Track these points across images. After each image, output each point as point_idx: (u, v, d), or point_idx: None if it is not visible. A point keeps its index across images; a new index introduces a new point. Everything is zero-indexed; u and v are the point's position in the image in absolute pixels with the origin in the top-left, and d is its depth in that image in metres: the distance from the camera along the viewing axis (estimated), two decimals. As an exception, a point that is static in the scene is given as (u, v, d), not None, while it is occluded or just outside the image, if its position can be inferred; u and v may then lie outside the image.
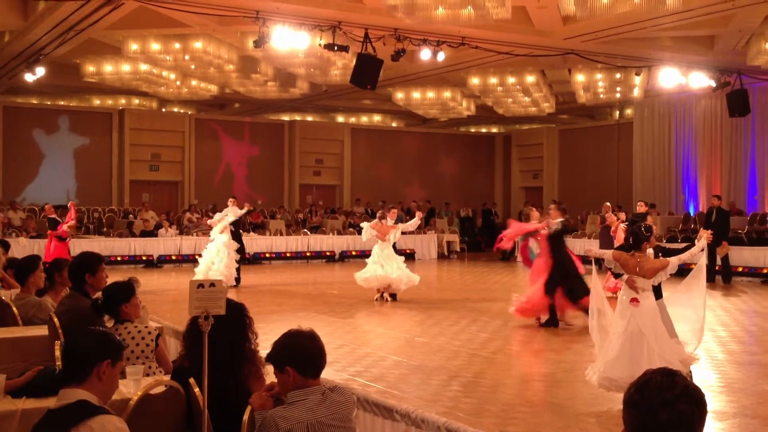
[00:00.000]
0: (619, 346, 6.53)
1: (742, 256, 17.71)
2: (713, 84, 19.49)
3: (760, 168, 21.67)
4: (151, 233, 21.26)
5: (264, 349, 3.68)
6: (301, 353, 3.44)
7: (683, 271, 7.48)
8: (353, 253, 22.90)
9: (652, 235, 6.83)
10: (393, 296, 13.66)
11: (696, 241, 7.18)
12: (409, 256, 23.60)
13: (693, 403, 1.96)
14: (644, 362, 6.11)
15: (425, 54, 16.35)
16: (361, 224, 14.74)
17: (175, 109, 27.12)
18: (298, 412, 3.26)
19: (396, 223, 14.34)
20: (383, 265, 13.52)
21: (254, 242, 21.90)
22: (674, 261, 6.60)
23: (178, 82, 21.41)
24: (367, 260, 14.00)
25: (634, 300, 6.56)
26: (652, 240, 6.88)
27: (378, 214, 14.31)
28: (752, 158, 21.92)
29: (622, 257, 6.70)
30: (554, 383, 7.93)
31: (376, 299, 13.55)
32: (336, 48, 15.20)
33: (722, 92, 19.98)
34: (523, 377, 8.40)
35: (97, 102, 26.17)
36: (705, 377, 7.96)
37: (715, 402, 6.92)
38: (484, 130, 32.59)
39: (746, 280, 17.34)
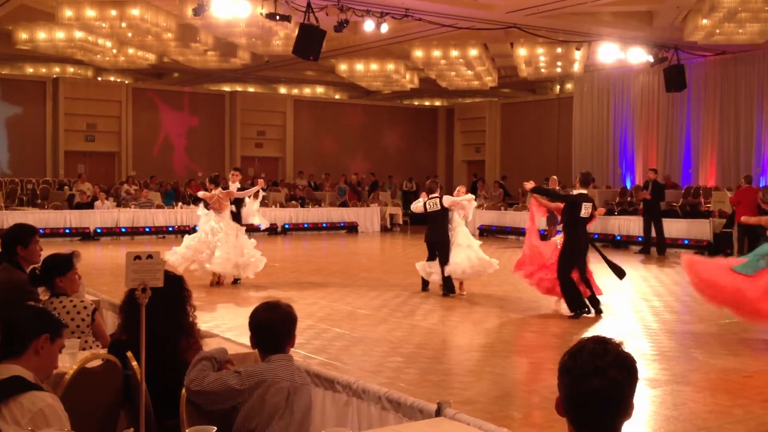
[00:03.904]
0: None
1: (677, 228, 18.19)
2: (651, 59, 19.86)
3: (695, 142, 22.22)
4: (88, 205, 20.80)
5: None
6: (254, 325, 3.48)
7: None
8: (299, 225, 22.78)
9: None
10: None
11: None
12: (352, 229, 23.64)
13: (624, 369, 2.00)
14: None
15: (368, 25, 16.25)
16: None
17: (112, 78, 26.44)
18: (285, 374, 3.40)
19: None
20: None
21: (194, 215, 21.50)
22: None
23: (114, 51, 20.86)
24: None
25: None
26: None
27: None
28: (687, 133, 22.44)
29: None
30: (493, 354, 8.05)
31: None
32: (278, 18, 14.98)
33: (660, 67, 20.37)
34: (463, 348, 8.50)
35: (30, 70, 25.33)
36: (639, 346, 8.19)
37: (648, 370, 7.12)
38: (427, 103, 32.64)
39: (680, 252, 17.83)
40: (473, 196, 12.49)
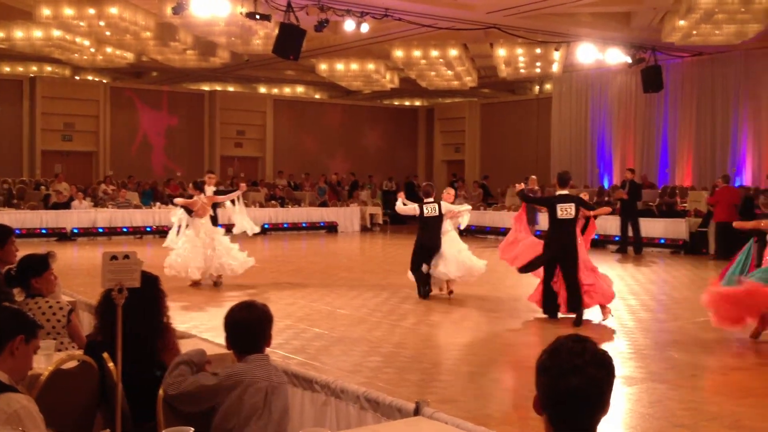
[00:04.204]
0: None
1: (654, 227, 18.34)
2: (629, 60, 20.00)
3: (672, 142, 22.41)
4: (65, 205, 20.61)
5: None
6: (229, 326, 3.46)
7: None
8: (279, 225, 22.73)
9: None
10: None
11: None
12: (332, 229, 23.61)
13: (602, 367, 2.02)
14: None
15: (349, 25, 16.24)
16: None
17: (90, 77, 26.23)
18: (263, 374, 3.36)
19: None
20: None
21: (172, 215, 21.42)
22: None
23: (92, 49, 20.67)
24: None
25: None
26: None
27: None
28: (664, 133, 22.63)
29: None
30: (472, 353, 8.08)
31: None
32: (258, 17, 14.94)
33: (637, 68, 20.53)
34: (442, 347, 8.52)
35: (6, 69, 25.04)
36: (616, 344, 8.25)
37: (624, 368, 7.18)
38: (407, 103, 32.67)
39: (656, 251, 17.99)
40: (470, 207, 12.58)
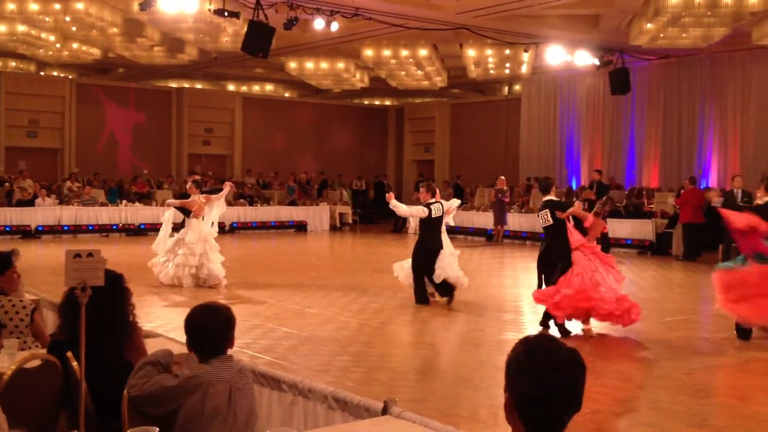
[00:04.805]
0: None
1: (621, 228, 18.52)
2: (597, 62, 20.19)
3: (639, 144, 22.66)
4: (29, 202, 20.30)
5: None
6: (191, 330, 3.39)
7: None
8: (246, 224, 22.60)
9: None
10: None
11: None
12: (301, 228, 23.53)
13: (579, 366, 2.03)
14: None
15: (318, 23, 16.19)
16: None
17: (55, 73, 25.84)
18: (226, 375, 3.30)
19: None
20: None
21: (139, 213, 21.27)
22: None
23: (58, 45, 20.38)
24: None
25: None
26: None
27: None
28: (632, 135, 22.88)
29: None
30: (441, 351, 8.10)
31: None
32: (226, 14, 14.84)
33: (605, 70, 20.73)
34: (411, 346, 8.52)
35: (-30, 64, 24.66)
36: (581, 344, 8.30)
37: (591, 367, 7.22)
38: (377, 102, 32.66)
39: (623, 252, 18.15)
40: (459, 201, 12.32)
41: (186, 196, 12.27)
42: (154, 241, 12.58)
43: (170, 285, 11.68)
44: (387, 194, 11.42)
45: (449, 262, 10.62)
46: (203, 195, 11.91)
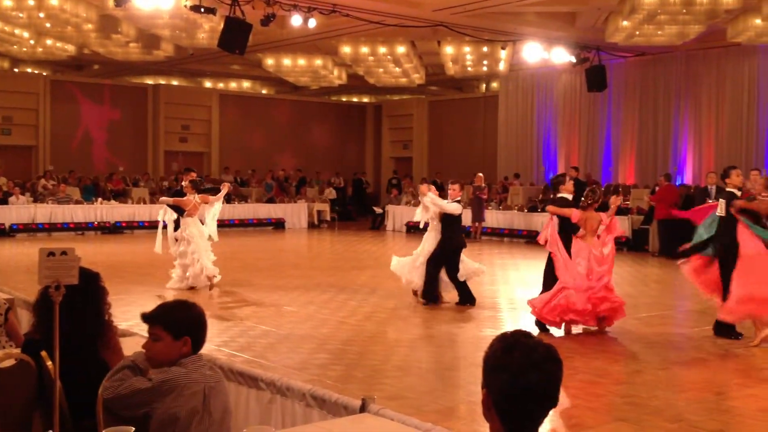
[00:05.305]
0: None
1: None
2: (573, 60, 20.29)
3: (615, 141, 22.81)
4: (3, 201, 20.07)
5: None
6: (202, 326, 3.35)
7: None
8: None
9: None
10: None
11: None
12: (279, 225, 23.45)
13: (556, 362, 2.03)
14: None
15: (296, 20, 16.13)
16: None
17: (29, 70, 25.54)
18: (199, 376, 3.23)
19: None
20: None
21: (115, 211, 21.10)
22: None
23: (32, 41, 20.14)
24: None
25: None
26: None
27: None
28: (608, 132, 23.03)
29: None
30: (419, 348, 8.10)
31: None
32: (202, 10, 14.73)
33: (582, 68, 20.84)
34: (390, 343, 8.51)
35: (-59, 60, 24.31)
36: (558, 340, 8.35)
37: (566, 363, 7.26)
38: (355, 99, 32.61)
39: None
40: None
41: (181, 194, 11.87)
42: (130, 238, 12.47)
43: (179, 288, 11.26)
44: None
45: (463, 258, 10.41)
46: (200, 195, 11.57)
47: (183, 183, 12.10)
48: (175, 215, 11.65)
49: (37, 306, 3.75)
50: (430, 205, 10.45)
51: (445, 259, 10.29)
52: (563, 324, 8.61)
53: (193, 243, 11.22)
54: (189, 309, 3.39)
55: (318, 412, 3.73)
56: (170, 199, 11.93)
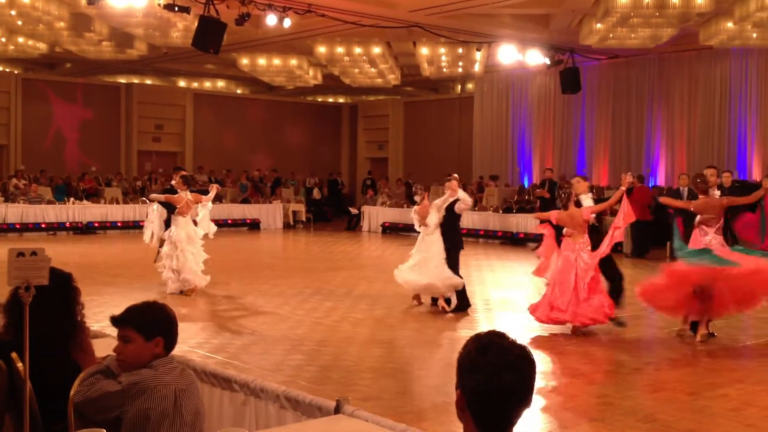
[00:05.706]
0: None
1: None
2: (548, 61, 20.41)
3: (589, 142, 23.00)
4: (-27, 200, 19.80)
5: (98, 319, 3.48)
6: (173, 327, 3.31)
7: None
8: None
9: None
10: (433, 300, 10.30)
11: None
12: (254, 226, 23.35)
13: (530, 362, 2.03)
14: None
15: (271, 19, 16.07)
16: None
17: (0, 68, 25.21)
18: (170, 378, 3.19)
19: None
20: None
21: (87, 211, 20.87)
22: None
23: (3, 39, 19.88)
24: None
25: None
26: None
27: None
28: (582, 133, 23.21)
29: None
30: (395, 349, 8.10)
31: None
32: (176, 9, 14.63)
33: (556, 70, 20.98)
34: (364, 344, 8.49)
35: None
36: (532, 340, 8.39)
37: (542, 363, 7.31)
38: (331, 99, 32.56)
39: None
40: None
41: (172, 191, 11.53)
42: (102, 239, 12.34)
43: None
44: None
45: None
46: (193, 194, 11.28)
47: (173, 181, 11.73)
48: (165, 214, 11.39)
49: (8, 307, 3.70)
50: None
51: (455, 260, 10.04)
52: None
53: (178, 248, 10.89)
54: (160, 309, 3.36)
55: (292, 413, 3.71)
56: (162, 196, 11.60)
